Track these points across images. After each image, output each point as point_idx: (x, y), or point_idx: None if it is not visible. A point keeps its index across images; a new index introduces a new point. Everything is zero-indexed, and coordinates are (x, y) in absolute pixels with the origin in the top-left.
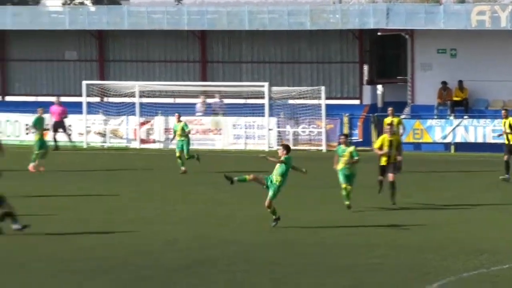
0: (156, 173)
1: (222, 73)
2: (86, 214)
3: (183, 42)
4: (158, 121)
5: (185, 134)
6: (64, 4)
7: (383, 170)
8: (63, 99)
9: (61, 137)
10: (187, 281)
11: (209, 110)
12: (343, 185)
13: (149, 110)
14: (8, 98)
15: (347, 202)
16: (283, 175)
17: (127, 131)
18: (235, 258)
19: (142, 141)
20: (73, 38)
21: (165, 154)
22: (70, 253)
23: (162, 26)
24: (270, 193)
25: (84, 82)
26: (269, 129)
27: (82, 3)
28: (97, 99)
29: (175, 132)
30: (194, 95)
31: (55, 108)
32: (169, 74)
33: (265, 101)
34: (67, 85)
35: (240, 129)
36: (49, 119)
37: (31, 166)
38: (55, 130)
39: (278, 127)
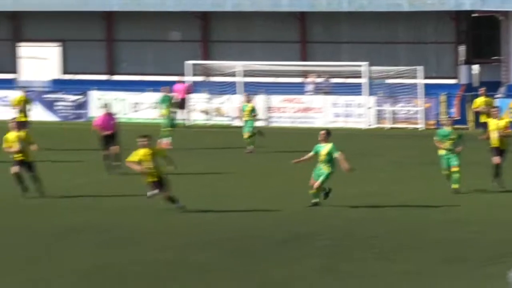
0: (258, 150)
1: (321, 53)
2: (191, 190)
3: (284, 23)
4: (260, 100)
5: (253, 115)
6: None
7: (495, 152)
8: (168, 78)
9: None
10: (290, 253)
11: (317, 89)
12: (446, 171)
13: (251, 89)
14: (116, 77)
15: (455, 186)
16: (330, 160)
17: (230, 109)
18: (337, 232)
19: None
20: (177, 19)
21: (267, 131)
22: (174, 228)
23: (263, 7)
24: (322, 178)
25: (189, 62)
26: (368, 108)
27: None
28: (200, 79)
29: (243, 112)
30: (295, 74)
31: (179, 86)
32: (269, 54)
33: (364, 80)
34: (171, 65)
35: (340, 107)
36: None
37: (166, 143)
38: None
39: (377, 105)
